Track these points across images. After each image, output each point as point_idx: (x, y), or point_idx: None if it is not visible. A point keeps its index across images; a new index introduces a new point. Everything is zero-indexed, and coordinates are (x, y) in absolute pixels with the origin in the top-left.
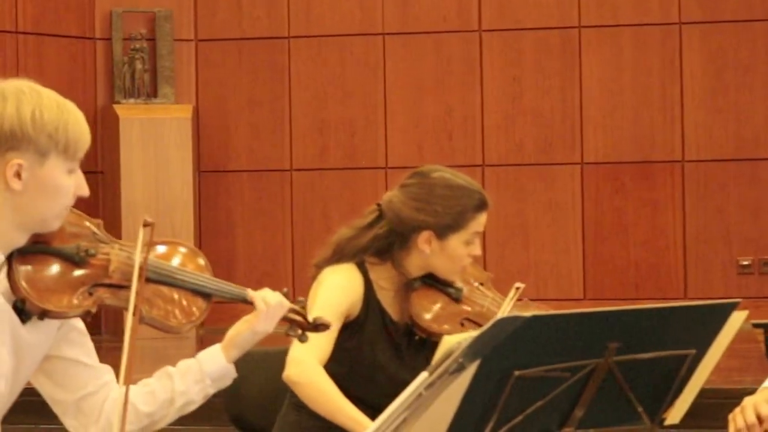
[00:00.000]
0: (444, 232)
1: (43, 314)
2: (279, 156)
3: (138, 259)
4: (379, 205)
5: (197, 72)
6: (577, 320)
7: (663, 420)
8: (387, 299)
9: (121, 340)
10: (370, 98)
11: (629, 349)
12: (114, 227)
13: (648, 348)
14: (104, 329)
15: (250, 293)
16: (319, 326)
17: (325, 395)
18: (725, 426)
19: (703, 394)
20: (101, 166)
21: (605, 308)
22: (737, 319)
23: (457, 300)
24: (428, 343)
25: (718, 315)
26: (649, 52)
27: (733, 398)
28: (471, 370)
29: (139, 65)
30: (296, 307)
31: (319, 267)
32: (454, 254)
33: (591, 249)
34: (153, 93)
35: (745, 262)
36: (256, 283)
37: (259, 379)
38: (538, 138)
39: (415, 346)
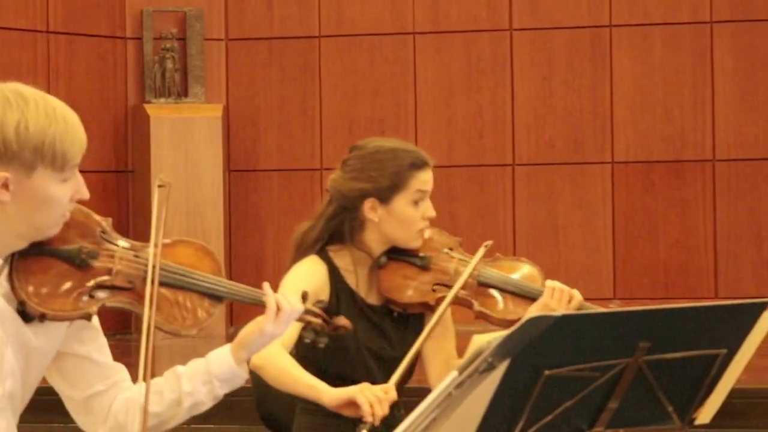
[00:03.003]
0: (385, 196)
1: (42, 317)
2: (309, 155)
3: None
4: (327, 190)
5: (227, 71)
6: (607, 320)
7: (693, 420)
8: (357, 283)
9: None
10: (400, 97)
11: (659, 348)
12: (144, 225)
13: (678, 348)
14: (134, 328)
15: (267, 294)
16: (338, 328)
17: (283, 370)
18: (756, 426)
19: (733, 393)
20: (131, 165)
21: (635, 308)
22: None
23: (424, 268)
24: (410, 317)
25: (749, 314)
26: (680, 51)
27: (765, 398)
28: (501, 369)
29: (169, 64)
30: (315, 309)
31: (288, 270)
32: (403, 217)
33: (621, 248)
34: (183, 92)
35: None
36: None
37: None
38: (569, 137)
39: (398, 323)
